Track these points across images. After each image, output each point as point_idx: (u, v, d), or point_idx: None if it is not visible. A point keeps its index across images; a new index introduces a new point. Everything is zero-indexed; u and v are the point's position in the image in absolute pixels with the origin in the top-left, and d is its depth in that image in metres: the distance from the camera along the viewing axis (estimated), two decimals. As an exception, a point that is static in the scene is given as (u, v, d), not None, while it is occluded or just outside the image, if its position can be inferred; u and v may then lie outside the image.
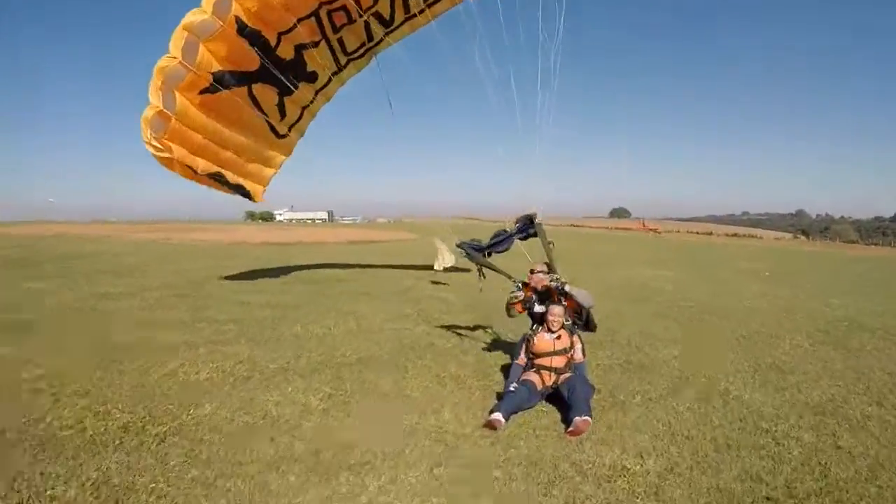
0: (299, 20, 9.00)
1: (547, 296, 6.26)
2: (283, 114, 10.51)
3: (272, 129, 10.72)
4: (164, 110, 9.05)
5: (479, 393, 5.96)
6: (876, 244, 43.69)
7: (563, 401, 5.42)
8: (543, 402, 5.62)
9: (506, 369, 6.45)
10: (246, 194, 11.66)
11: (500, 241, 7.33)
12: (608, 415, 5.42)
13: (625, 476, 4.19)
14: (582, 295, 6.15)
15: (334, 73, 10.45)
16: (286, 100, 10.31)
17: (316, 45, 9.55)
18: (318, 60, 9.91)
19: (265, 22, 8.84)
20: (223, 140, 10.13)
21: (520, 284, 6.52)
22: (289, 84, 9.75)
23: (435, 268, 16.70)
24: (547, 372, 5.70)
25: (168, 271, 17.38)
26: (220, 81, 9.17)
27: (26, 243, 24.03)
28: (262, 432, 4.89)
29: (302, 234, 46.42)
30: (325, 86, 10.66)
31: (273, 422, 5.12)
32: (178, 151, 9.46)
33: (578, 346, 6.01)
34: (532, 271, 6.49)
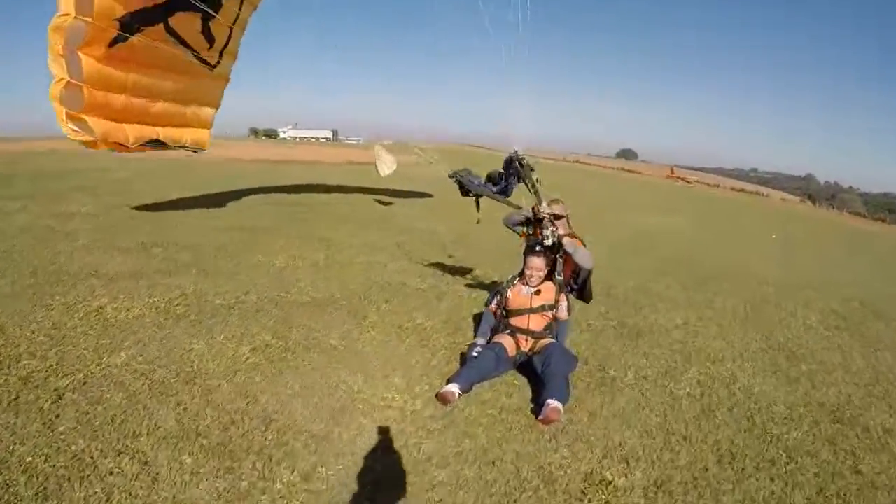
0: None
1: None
2: (210, 40, 8.72)
3: (202, 61, 8.94)
4: (72, 80, 7.34)
5: (444, 353, 5.08)
6: (882, 220, 41.30)
7: (537, 375, 4.51)
8: (516, 371, 4.75)
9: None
10: (192, 148, 10.11)
11: (498, 184, 5.83)
12: (593, 396, 4.57)
13: (603, 491, 3.34)
14: (581, 254, 5.14)
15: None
16: (211, 24, 8.49)
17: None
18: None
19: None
20: (150, 93, 8.39)
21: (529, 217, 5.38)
22: (211, 5, 7.98)
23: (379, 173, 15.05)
24: (522, 335, 4.78)
25: (148, 189, 16.36)
26: (128, 27, 7.41)
27: (10, 160, 22.83)
28: (173, 392, 4.06)
29: (299, 152, 44.67)
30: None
31: (189, 379, 4.26)
32: (101, 128, 7.76)
33: (564, 303, 5.01)
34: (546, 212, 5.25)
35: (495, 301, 5.07)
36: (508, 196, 5.76)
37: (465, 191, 5.82)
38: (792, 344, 6.56)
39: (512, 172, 5.64)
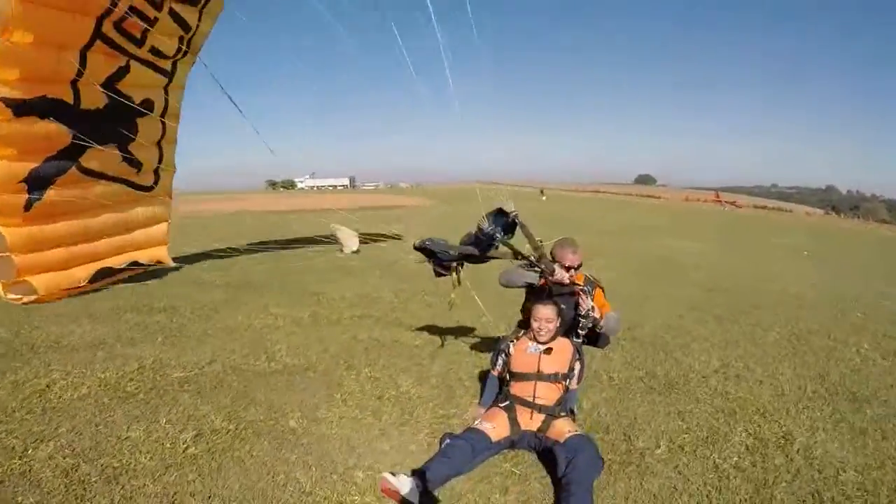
0: (84, 52, 5.86)
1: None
2: (136, 165, 7.35)
3: (136, 187, 7.58)
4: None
5: (428, 433, 4.11)
6: (908, 224, 39.74)
7: (552, 470, 3.50)
8: (522, 451, 3.78)
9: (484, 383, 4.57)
10: (150, 265, 8.29)
11: (478, 245, 4.35)
12: (617, 481, 3.58)
13: None
14: (612, 324, 4.21)
15: (167, 86, 7.35)
16: (131, 147, 7.14)
17: (126, 70, 6.49)
18: (141, 83, 6.83)
19: (43, 80, 5.70)
20: (87, 236, 7.00)
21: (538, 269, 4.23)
22: (124, 132, 6.84)
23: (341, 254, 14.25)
24: (525, 408, 3.79)
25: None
26: (37, 184, 6.09)
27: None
28: (90, 496, 3.28)
29: (310, 201, 44.76)
30: (166, 106, 7.45)
31: (113, 477, 3.46)
32: (45, 282, 6.52)
33: (578, 366, 4.03)
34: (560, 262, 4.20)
35: (500, 361, 4.12)
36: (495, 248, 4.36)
37: (438, 263, 4.38)
38: (850, 381, 5.54)
39: (502, 227, 4.26)
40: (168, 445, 3.93)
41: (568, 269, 4.12)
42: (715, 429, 4.34)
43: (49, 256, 6.57)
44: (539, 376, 3.84)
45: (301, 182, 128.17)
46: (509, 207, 4.23)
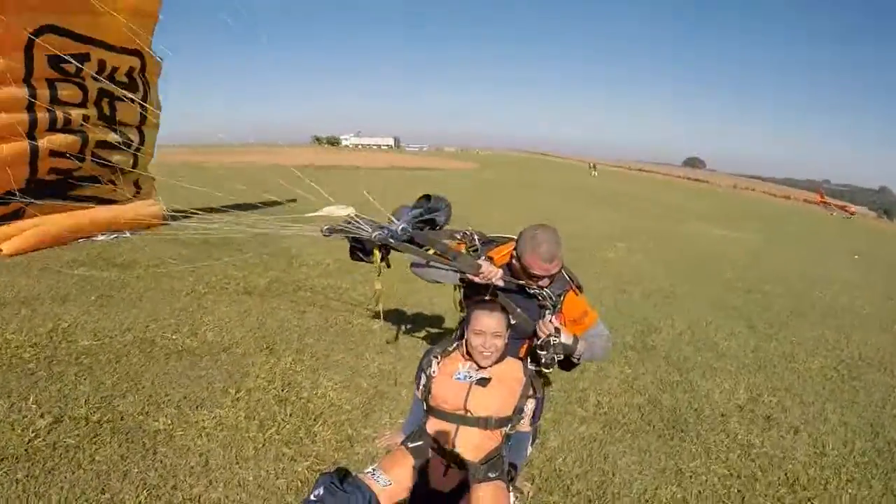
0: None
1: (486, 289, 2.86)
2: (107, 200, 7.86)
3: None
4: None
5: (309, 464, 3.16)
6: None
7: None
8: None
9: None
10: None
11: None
12: None
13: None
14: (594, 347, 2.84)
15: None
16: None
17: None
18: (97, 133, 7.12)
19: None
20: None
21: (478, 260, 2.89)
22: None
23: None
24: (439, 458, 2.63)
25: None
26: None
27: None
28: None
29: (345, 157, 44.09)
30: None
31: None
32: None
33: (531, 404, 2.72)
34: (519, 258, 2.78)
35: (422, 380, 2.79)
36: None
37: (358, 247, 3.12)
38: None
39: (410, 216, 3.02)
40: (18, 432, 3.25)
41: (532, 277, 2.70)
42: None
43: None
44: (463, 418, 2.57)
45: (346, 139, 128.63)
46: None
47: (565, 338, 2.65)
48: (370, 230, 2.93)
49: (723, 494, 3.33)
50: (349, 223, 3.07)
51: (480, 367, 2.68)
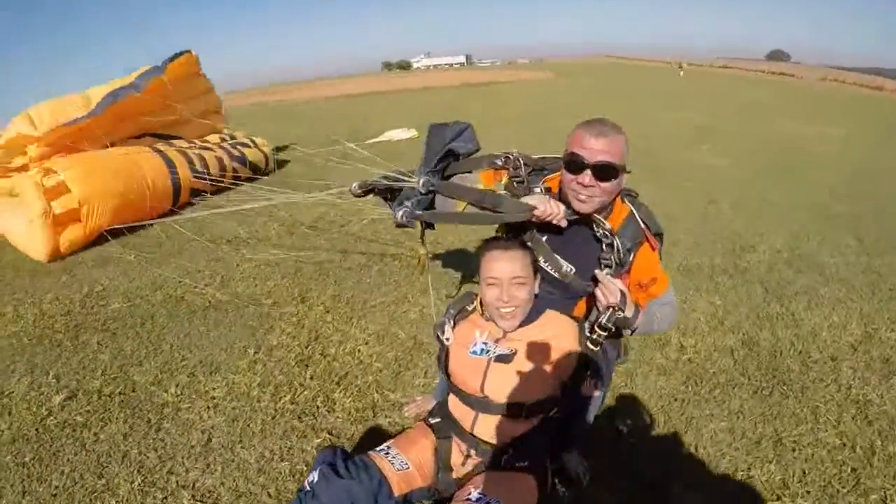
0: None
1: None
2: None
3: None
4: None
5: (323, 440, 2.60)
6: None
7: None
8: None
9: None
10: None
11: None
12: None
13: None
14: (656, 321, 1.91)
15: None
16: None
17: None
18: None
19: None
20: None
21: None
22: None
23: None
24: (461, 441, 1.92)
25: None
26: None
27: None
28: None
29: (417, 80, 42.27)
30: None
31: None
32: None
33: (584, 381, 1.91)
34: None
35: (440, 347, 2.10)
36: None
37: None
38: None
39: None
40: (33, 410, 3.03)
41: (581, 169, 1.73)
42: (834, 490, 2.32)
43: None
44: (484, 404, 1.86)
45: (416, 62, 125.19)
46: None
47: (627, 306, 1.78)
48: (394, 210, 2.05)
49: (833, 475, 2.39)
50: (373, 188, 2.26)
51: (503, 334, 1.91)
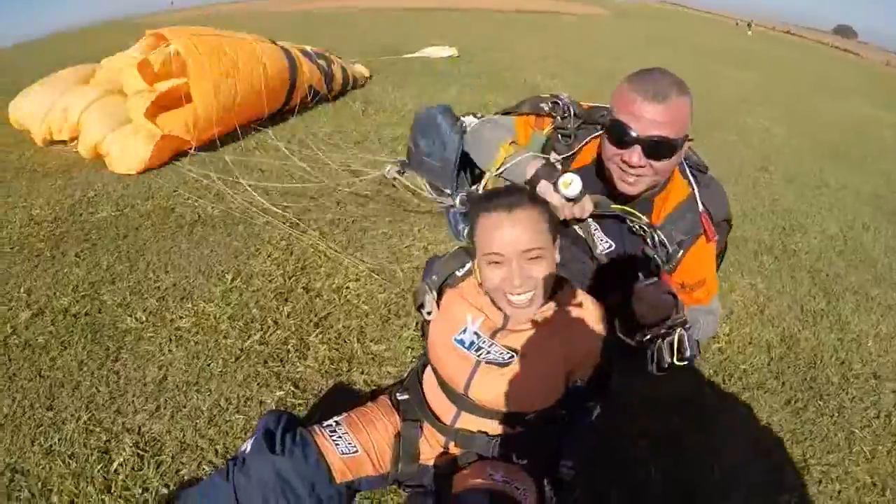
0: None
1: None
2: None
3: None
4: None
5: (286, 391, 2.27)
6: None
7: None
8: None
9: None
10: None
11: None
12: None
13: None
14: (697, 330, 1.40)
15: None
16: None
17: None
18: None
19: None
20: None
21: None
22: None
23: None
24: (436, 432, 1.45)
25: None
26: None
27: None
28: None
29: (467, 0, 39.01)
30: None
31: None
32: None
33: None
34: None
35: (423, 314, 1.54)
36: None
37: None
38: None
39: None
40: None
41: (628, 144, 1.30)
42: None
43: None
44: (468, 405, 1.40)
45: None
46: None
47: (679, 309, 1.25)
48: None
49: None
50: None
51: (504, 321, 1.38)
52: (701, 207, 1.45)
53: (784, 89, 13.11)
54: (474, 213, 1.33)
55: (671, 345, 1.17)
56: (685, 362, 1.17)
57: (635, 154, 1.30)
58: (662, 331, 1.20)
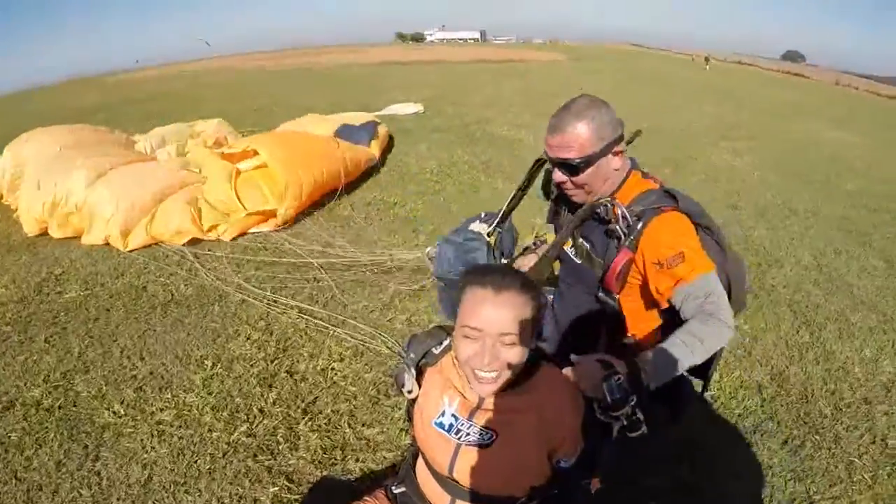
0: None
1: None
2: None
3: None
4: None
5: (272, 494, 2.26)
6: None
7: None
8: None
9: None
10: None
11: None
12: None
13: None
14: (671, 349, 1.38)
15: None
16: None
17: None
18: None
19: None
20: None
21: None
22: None
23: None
24: None
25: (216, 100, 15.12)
26: None
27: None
28: None
29: (430, 52, 40.68)
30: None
31: None
32: None
33: (570, 441, 1.37)
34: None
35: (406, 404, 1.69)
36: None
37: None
38: None
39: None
40: None
41: (553, 166, 1.61)
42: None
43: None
44: (455, 488, 1.44)
45: (430, 35, 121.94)
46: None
47: (620, 367, 1.32)
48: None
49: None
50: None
51: (479, 402, 1.43)
52: (660, 193, 1.57)
53: (744, 119, 13.83)
54: (464, 281, 1.38)
55: (624, 422, 1.29)
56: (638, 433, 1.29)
57: (557, 174, 1.61)
58: (611, 411, 1.29)
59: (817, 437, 2.65)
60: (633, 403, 1.26)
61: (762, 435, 2.64)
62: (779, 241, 5.24)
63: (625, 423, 1.27)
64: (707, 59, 46.13)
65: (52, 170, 4.84)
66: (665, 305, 1.52)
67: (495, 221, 1.98)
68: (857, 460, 2.53)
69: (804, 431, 2.68)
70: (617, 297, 1.60)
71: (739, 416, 2.76)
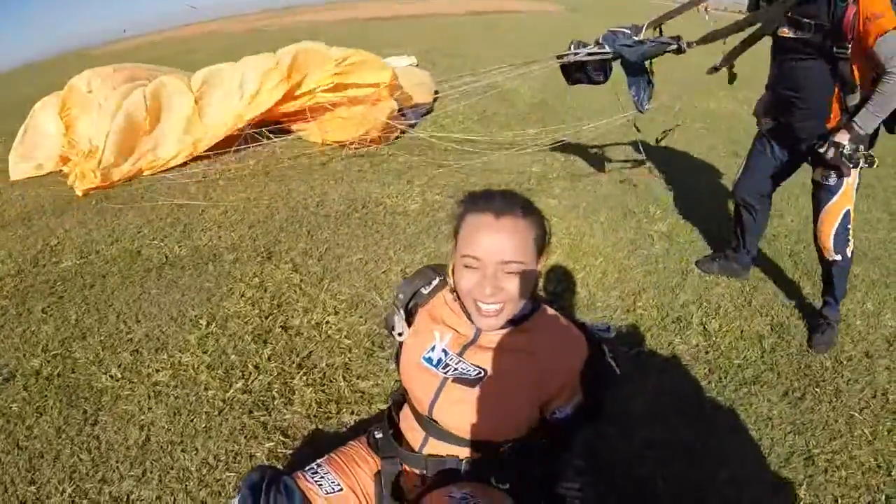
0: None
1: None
2: None
3: None
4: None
5: (270, 447, 2.22)
6: None
7: None
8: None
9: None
10: None
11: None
12: None
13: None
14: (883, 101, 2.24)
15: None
16: None
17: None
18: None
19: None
20: None
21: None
22: None
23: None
24: (414, 468, 1.42)
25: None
26: None
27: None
28: None
29: (420, 6, 38.78)
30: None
31: None
32: None
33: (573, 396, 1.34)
34: None
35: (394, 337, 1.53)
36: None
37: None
38: None
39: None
40: None
41: None
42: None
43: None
44: (432, 427, 1.39)
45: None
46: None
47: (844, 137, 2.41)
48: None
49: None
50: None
51: (475, 336, 1.35)
52: None
53: (748, 69, 13.28)
54: (462, 208, 1.30)
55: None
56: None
57: None
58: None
59: (817, 390, 2.58)
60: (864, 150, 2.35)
61: (762, 386, 2.58)
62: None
63: (866, 164, 2.39)
64: (707, 9, 44.40)
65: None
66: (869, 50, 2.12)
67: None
68: (857, 414, 2.46)
69: (804, 384, 2.61)
70: (849, 46, 2.15)
71: (739, 366, 2.70)
